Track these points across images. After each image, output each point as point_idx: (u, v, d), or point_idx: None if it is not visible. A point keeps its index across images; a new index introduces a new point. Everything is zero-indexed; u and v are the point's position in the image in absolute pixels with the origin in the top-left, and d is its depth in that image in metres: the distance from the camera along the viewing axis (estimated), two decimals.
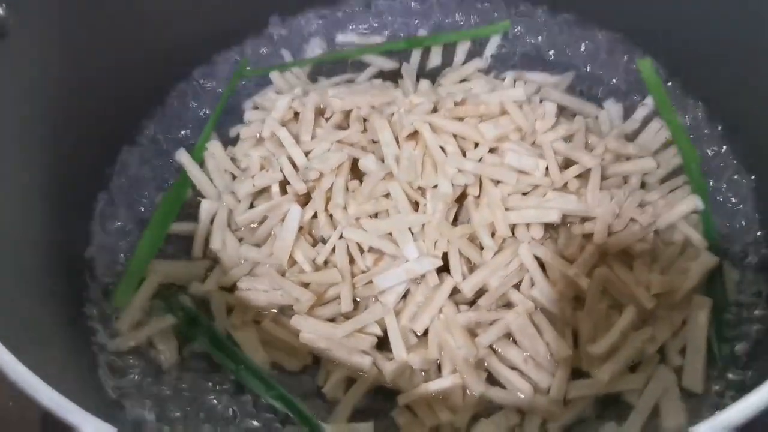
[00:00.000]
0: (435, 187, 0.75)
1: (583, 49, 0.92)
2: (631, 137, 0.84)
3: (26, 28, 0.67)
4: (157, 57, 0.86)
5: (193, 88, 0.93)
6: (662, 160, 0.82)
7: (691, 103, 0.86)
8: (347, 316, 0.72)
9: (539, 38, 0.94)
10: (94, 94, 0.78)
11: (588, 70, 0.91)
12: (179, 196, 0.85)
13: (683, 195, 0.79)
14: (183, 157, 0.86)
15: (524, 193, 0.76)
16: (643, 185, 0.80)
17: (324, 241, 0.77)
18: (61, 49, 0.74)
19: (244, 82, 0.94)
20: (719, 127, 0.84)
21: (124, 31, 0.81)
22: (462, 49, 0.94)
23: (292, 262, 0.76)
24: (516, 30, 0.94)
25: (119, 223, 0.82)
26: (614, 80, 0.90)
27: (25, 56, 0.68)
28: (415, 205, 0.75)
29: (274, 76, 0.93)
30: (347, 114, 0.84)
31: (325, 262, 0.76)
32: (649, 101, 0.87)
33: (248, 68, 0.95)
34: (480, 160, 0.75)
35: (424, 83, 0.89)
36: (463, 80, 0.90)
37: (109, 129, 0.84)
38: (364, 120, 0.83)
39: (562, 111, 0.85)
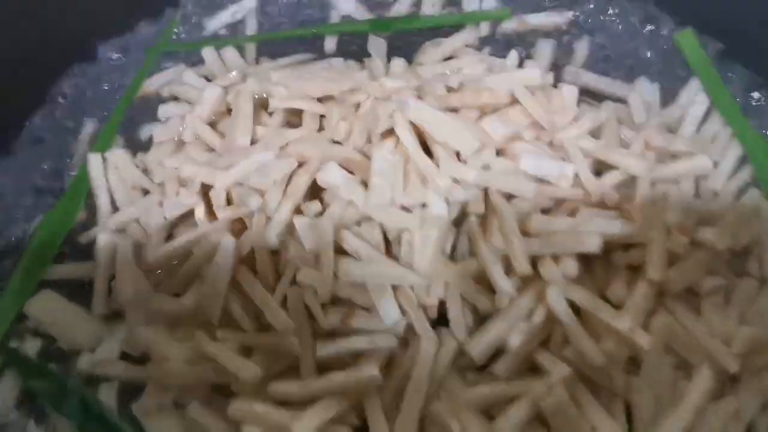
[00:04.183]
0: (424, 206, 0.53)
1: (603, 17, 0.71)
2: (673, 127, 0.64)
3: None
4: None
5: (96, 69, 0.70)
6: (718, 156, 0.62)
7: (745, 80, 0.66)
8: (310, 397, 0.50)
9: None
10: None
11: (610, 41, 0.70)
12: (65, 222, 0.62)
13: (754, 200, 0.59)
14: (92, 163, 0.63)
15: (544, 211, 0.55)
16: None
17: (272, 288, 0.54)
18: None
19: (167, 65, 0.71)
20: None
21: None
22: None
23: (228, 317, 0.54)
24: None
25: None
26: (648, 54, 0.69)
27: None
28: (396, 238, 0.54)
29: (207, 53, 0.70)
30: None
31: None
32: (694, 83, 0.66)
33: (172, 39, 0.72)
34: (485, 166, 0.54)
35: (398, 62, 0.67)
36: (449, 58, 0.68)
37: None
38: (321, 115, 0.61)
39: (582, 93, 0.64)
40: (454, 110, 0.57)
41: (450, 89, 0.58)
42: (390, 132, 0.56)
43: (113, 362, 0.55)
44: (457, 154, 0.55)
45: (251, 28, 0.73)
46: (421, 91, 0.59)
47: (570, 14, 0.71)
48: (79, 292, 0.59)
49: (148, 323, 0.55)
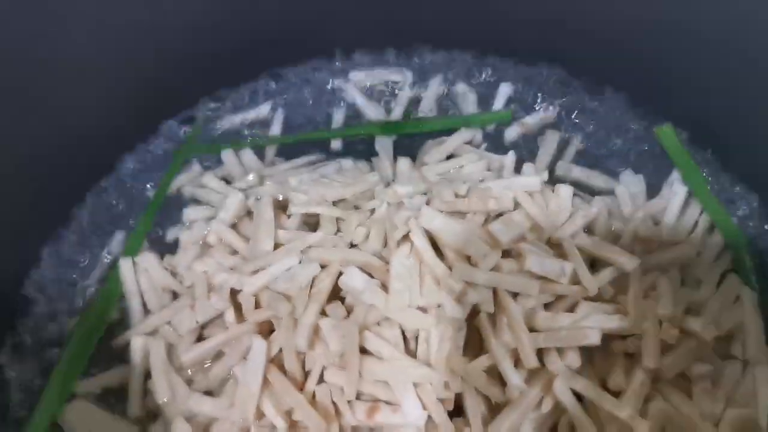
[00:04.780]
0: (438, 306, 0.59)
1: (588, 112, 0.77)
2: (657, 217, 0.70)
3: None
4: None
5: (117, 177, 0.75)
6: (699, 243, 0.68)
7: (723, 176, 0.72)
8: None
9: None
10: None
11: (595, 136, 0.77)
12: (97, 327, 0.66)
13: (734, 286, 0.64)
14: (124, 268, 0.67)
15: (546, 305, 0.61)
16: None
17: (300, 386, 0.59)
18: None
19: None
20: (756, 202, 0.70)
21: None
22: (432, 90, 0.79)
23: (260, 414, 0.58)
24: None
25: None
26: (627, 149, 0.76)
27: None
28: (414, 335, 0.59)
29: (226, 155, 0.75)
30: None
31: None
32: (675, 175, 0.73)
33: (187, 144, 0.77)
34: (494, 269, 0.59)
35: (404, 162, 0.73)
36: (450, 155, 0.74)
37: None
38: (337, 219, 0.66)
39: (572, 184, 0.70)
40: (461, 213, 0.63)
41: (457, 195, 0.63)
42: (405, 237, 0.61)
43: None
44: (467, 257, 0.60)
45: (274, 130, 0.79)
46: (430, 195, 0.65)
47: (556, 110, 0.77)
48: (107, 395, 0.63)
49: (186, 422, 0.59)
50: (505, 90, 0.78)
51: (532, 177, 0.64)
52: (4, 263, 0.66)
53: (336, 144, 0.77)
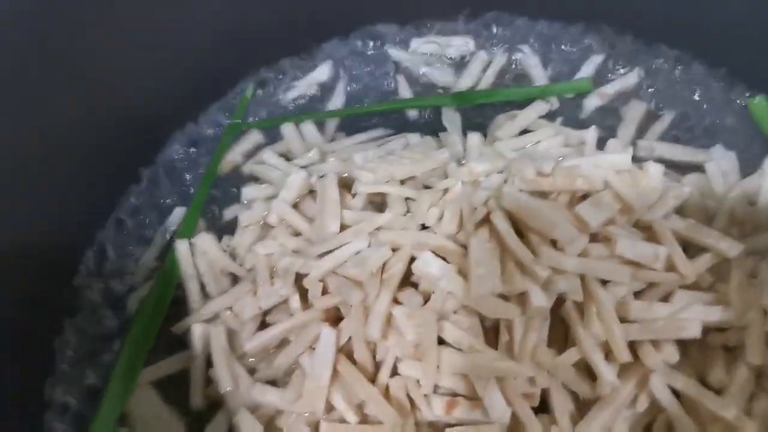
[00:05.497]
0: (521, 294, 0.54)
1: (673, 84, 0.71)
2: (753, 197, 0.64)
3: None
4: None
5: (169, 154, 0.72)
6: None
7: None
8: None
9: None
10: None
11: (680, 109, 0.71)
12: (158, 313, 0.63)
13: None
14: (180, 250, 0.64)
15: (637, 294, 0.56)
16: None
17: (372, 378, 0.55)
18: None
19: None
20: None
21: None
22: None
23: (329, 407, 0.55)
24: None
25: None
26: (717, 121, 0.70)
27: None
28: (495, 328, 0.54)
29: (286, 129, 0.71)
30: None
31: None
32: None
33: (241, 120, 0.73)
34: (582, 254, 0.55)
35: (474, 137, 0.68)
36: (524, 131, 0.69)
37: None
38: (406, 199, 0.62)
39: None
40: (542, 193, 0.58)
41: (540, 173, 0.58)
42: (483, 219, 0.56)
43: None
44: (552, 242, 0.55)
45: (337, 103, 0.74)
46: (508, 173, 0.60)
47: (636, 80, 0.71)
48: (166, 382, 0.60)
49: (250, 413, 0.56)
50: (594, 60, 0.73)
51: (622, 154, 0.59)
52: (62, 246, 0.63)
53: (413, 113, 0.73)
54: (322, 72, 0.76)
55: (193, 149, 0.72)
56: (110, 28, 0.60)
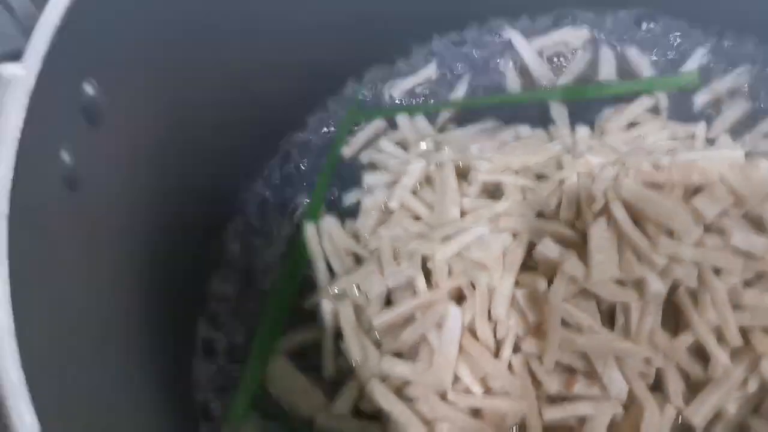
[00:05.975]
0: (638, 280, 0.58)
1: None
2: None
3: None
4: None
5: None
6: None
7: None
8: None
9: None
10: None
11: None
12: (291, 288, 0.68)
13: None
14: (308, 232, 0.69)
15: (746, 283, 0.59)
16: None
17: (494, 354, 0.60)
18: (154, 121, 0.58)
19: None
20: None
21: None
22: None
23: (455, 378, 0.60)
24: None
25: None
26: None
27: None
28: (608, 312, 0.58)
29: (401, 120, 0.76)
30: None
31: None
32: None
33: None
34: (698, 243, 0.58)
35: (583, 130, 0.71)
36: (631, 124, 0.72)
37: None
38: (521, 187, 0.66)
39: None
40: (656, 186, 0.61)
41: (657, 166, 0.61)
42: (602, 209, 0.60)
43: (347, 419, 0.62)
44: (668, 232, 0.59)
45: (452, 95, 0.78)
46: (620, 166, 0.63)
47: (746, 78, 0.74)
48: (296, 354, 0.66)
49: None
50: (699, 53, 0.75)
51: (736, 149, 0.62)
52: (194, 232, 0.68)
53: (520, 106, 0.76)
54: (432, 67, 0.80)
55: (311, 139, 0.77)
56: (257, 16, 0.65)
